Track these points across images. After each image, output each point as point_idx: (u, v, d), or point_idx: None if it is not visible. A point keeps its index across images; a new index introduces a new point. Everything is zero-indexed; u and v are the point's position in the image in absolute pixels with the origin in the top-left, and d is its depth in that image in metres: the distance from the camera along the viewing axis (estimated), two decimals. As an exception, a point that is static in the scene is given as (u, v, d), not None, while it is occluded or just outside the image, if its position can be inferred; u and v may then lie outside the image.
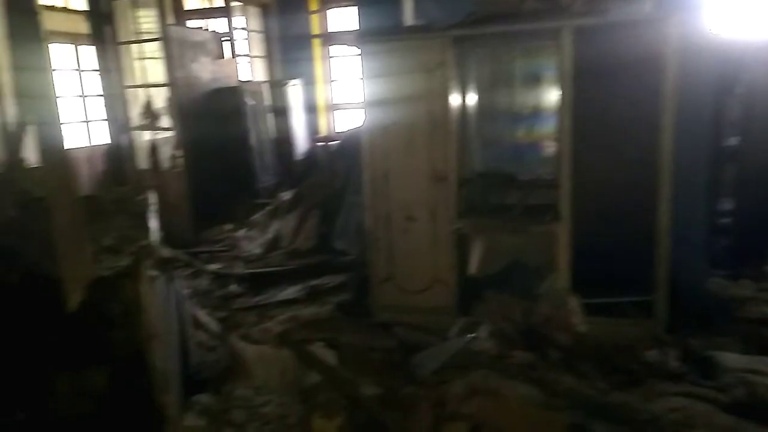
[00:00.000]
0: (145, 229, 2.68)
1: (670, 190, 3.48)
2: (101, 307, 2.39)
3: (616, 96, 3.58)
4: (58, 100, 2.09)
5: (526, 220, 3.72)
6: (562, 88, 3.57)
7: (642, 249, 3.56)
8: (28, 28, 2.01)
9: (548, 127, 4.15)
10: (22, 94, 2.09)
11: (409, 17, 4.36)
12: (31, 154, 2.22)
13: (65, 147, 2.01)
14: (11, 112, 4.86)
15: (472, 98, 4.30)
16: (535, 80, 4.27)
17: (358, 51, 3.97)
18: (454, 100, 3.88)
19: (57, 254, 2.02)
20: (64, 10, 7.02)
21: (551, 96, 4.04)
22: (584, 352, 3.17)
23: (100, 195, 4.33)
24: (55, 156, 1.96)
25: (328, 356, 3.48)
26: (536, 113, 4.29)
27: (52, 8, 6.74)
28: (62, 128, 2.04)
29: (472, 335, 3.41)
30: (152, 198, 3.05)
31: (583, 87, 3.55)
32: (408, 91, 3.86)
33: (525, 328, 3.43)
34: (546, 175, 4.03)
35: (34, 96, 1.95)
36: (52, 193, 1.97)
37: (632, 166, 3.61)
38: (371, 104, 3.97)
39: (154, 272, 2.50)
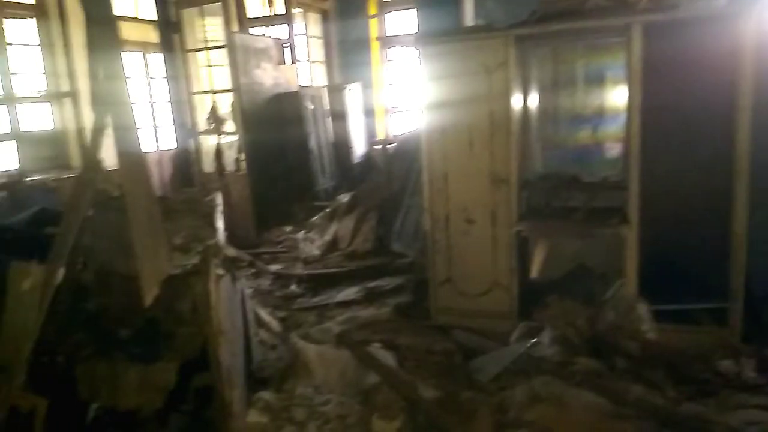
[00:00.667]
0: (212, 229, 2.76)
1: (746, 193, 3.29)
2: (171, 303, 2.48)
3: (688, 95, 3.42)
4: (133, 105, 2.18)
5: (591, 223, 3.61)
6: (631, 87, 3.45)
7: (716, 254, 3.39)
8: (106, 37, 2.11)
9: (613, 128, 4.02)
10: (99, 100, 2.20)
11: (469, 18, 4.32)
12: (108, 156, 2.33)
13: (142, 150, 2.09)
14: (89, 116, 5.13)
15: (533, 99, 4.21)
16: (599, 80, 4.14)
17: (418, 53, 3.96)
18: (516, 100, 3.81)
19: (134, 252, 2.10)
20: (135, 20, 7.36)
21: (616, 96, 3.91)
22: (654, 360, 3.04)
23: (169, 196, 4.51)
24: (133, 158, 2.04)
25: (387, 357, 3.48)
26: (600, 114, 4.15)
27: (123, 18, 7.08)
28: (138, 132, 2.13)
29: (534, 340, 3.33)
30: (218, 199, 3.14)
31: (652, 85, 3.42)
32: (468, 92, 3.82)
33: (590, 335, 3.32)
34: (612, 176, 3.90)
35: (112, 102, 2.04)
36: (130, 193, 2.06)
37: (706, 168, 3.44)
38: (430, 106, 3.96)
39: (220, 271, 2.57)
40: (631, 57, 3.41)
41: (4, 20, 5.43)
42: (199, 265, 2.46)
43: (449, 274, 4.06)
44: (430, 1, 4.71)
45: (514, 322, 3.72)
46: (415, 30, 4.89)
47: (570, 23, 3.57)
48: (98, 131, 2.13)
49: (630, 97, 3.46)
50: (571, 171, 4.05)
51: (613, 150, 4.03)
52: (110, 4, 2.26)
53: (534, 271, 3.83)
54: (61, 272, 2.28)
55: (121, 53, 2.33)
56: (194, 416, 2.68)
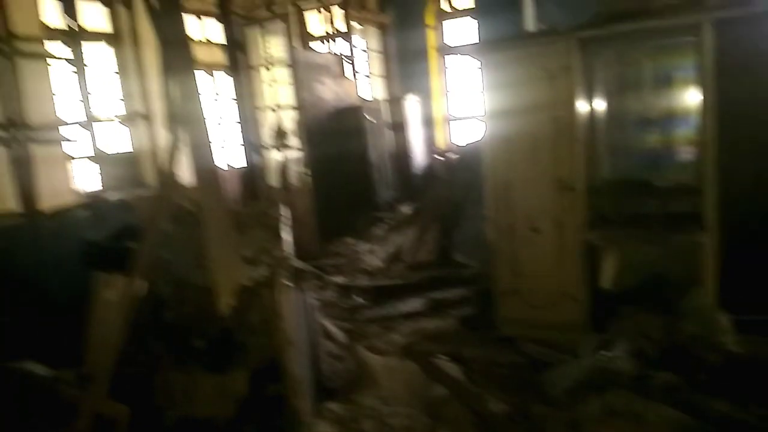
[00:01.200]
0: (280, 241, 2.83)
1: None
2: (243, 314, 2.55)
3: (765, 93, 3.24)
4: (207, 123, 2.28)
5: (665, 230, 3.46)
6: (704, 88, 3.30)
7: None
8: (181, 59, 2.21)
9: (684, 130, 3.84)
10: (176, 119, 2.32)
11: (529, 23, 4.26)
12: (184, 173, 2.44)
13: (216, 166, 2.18)
14: (163, 137, 5.37)
15: (599, 103, 4.09)
16: (667, 81, 3.98)
17: (478, 61, 3.94)
18: (580, 105, 3.72)
19: (209, 264, 2.18)
20: (203, 42, 7.69)
21: (686, 97, 3.74)
22: (737, 373, 2.86)
23: (238, 211, 4.66)
24: (208, 175, 2.13)
25: (453, 370, 3.45)
26: (670, 116, 3.99)
27: (192, 40, 7.41)
28: (212, 149, 2.22)
29: (608, 353, 3.21)
30: (284, 212, 3.21)
31: (726, 85, 3.25)
32: (531, 98, 3.76)
33: (667, 347, 3.16)
34: (687, 181, 3.72)
35: (188, 120, 2.14)
36: (206, 208, 2.15)
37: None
38: (492, 114, 3.92)
39: (288, 282, 2.62)
40: (703, 56, 3.27)
41: (84, 46, 5.78)
42: (269, 277, 2.52)
43: (515, 285, 3.99)
44: (488, 8, 4.68)
45: (585, 334, 3.60)
46: (474, 38, 4.85)
47: (637, 23, 3.46)
48: (174, 149, 2.24)
49: (703, 98, 3.31)
50: (642, 176, 3.90)
51: (686, 153, 3.85)
52: (184, 27, 2.37)
53: (605, 281, 3.69)
54: (143, 285, 2.40)
55: (195, 74, 2.44)
56: (265, 425, 2.74)
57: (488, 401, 3.09)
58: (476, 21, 4.89)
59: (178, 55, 2.21)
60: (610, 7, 3.66)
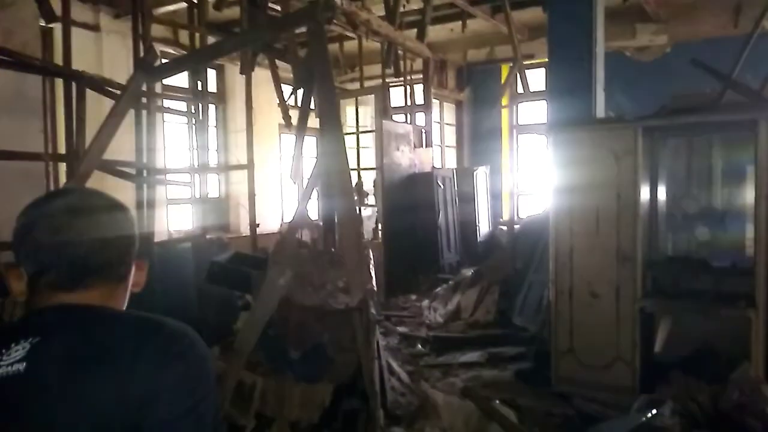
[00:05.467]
0: (369, 276, 3.31)
1: None
2: (335, 333, 3.02)
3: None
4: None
5: (718, 304, 3.72)
6: (758, 178, 3.63)
7: None
8: (334, 120, 2.82)
9: (741, 222, 4.13)
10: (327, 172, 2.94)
11: (599, 110, 4.74)
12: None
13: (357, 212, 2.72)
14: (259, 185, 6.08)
15: (662, 187, 4.45)
16: (731, 175, 4.32)
17: (548, 141, 4.41)
18: (643, 185, 4.10)
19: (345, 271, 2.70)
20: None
21: (746, 190, 4.04)
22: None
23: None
24: (351, 217, 2.70)
25: (509, 414, 3.74)
26: (730, 206, 4.31)
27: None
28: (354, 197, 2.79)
29: (655, 411, 3.44)
30: (372, 254, 3.71)
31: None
32: (596, 175, 4.17)
33: (713, 412, 3.37)
34: (742, 263, 3.99)
35: (338, 172, 2.72)
36: (347, 240, 2.70)
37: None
38: (558, 188, 4.35)
39: (374, 311, 3.09)
40: (758, 150, 3.62)
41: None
42: (360, 302, 2.99)
43: (571, 345, 4.28)
44: (561, 93, 5.17)
45: (635, 397, 3.83)
46: (544, 119, 5.37)
47: (696, 116, 3.87)
48: (306, 197, 2.82)
49: (757, 186, 3.64)
50: (700, 255, 4.20)
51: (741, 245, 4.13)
52: (335, 94, 2.96)
53: (658, 348, 3.95)
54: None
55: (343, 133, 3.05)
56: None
57: (540, 444, 3.37)
58: (547, 103, 5.41)
59: (332, 120, 2.81)
60: (678, 101, 4.09)
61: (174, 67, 4.24)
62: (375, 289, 3.30)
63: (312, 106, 3.82)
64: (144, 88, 5.14)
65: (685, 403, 3.46)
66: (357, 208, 2.86)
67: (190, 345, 1.01)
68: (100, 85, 4.83)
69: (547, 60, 5.31)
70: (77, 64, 4.79)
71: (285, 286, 2.69)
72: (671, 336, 3.93)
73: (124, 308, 1.10)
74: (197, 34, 6.03)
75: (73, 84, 4.46)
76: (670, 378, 3.75)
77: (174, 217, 7.09)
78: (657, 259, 4.25)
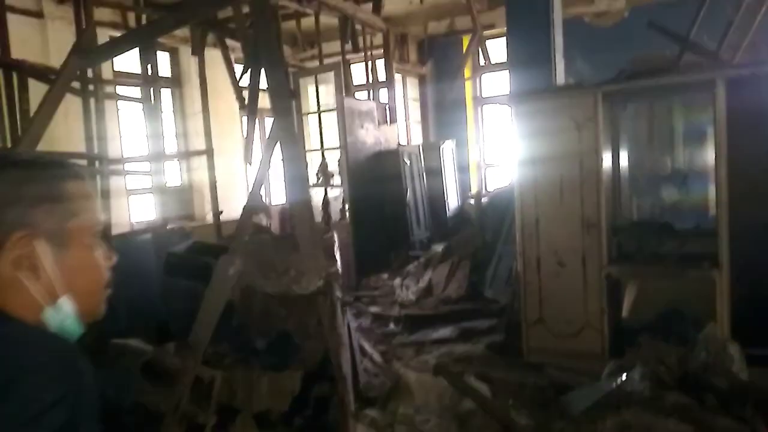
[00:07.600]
0: (332, 260, 3.23)
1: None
2: (300, 319, 2.94)
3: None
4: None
5: (682, 267, 3.75)
6: (717, 141, 3.64)
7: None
8: (284, 106, 2.70)
9: (702, 181, 4.16)
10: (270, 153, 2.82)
11: (559, 78, 4.70)
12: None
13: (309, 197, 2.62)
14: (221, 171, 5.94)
15: (624, 152, 4.45)
16: (692, 137, 4.34)
17: (511, 111, 4.36)
18: (605, 152, 4.09)
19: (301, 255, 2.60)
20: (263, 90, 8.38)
21: (704, 151, 4.07)
22: (743, 397, 3.10)
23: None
24: (302, 203, 2.60)
25: (482, 388, 3.74)
26: (690, 167, 4.34)
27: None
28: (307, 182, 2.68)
29: (625, 376, 3.47)
30: (335, 237, 3.63)
31: (736, 140, 3.59)
32: (559, 145, 4.15)
33: (680, 373, 3.41)
34: (705, 224, 4.03)
35: (289, 157, 2.62)
36: (298, 217, 2.60)
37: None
38: (523, 158, 4.31)
39: (339, 293, 3.01)
40: (717, 110, 3.63)
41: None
42: (324, 287, 2.92)
43: (541, 315, 4.29)
44: (521, 63, 5.12)
45: (606, 362, 3.86)
46: (508, 90, 5.31)
47: (655, 80, 3.85)
48: (261, 181, 2.71)
49: (716, 147, 3.65)
50: (662, 219, 4.22)
51: (703, 203, 4.16)
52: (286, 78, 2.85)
53: (626, 313, 3.98)
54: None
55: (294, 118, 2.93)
56: (313, 421, 3.08)
57: (513, 416, 3.37)
58: (509, 74, 5.35)
59: (281, 101, 2.69)
60: (637, 64, 4.07)
61: (111, 49, 3.99)
62: (339, 271, 3.21)
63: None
64: (90, 74, 4.94)
65: (654, 366, 3.49)
66: (308, 192, 2.74)
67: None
68: (44, 74, 4.60)
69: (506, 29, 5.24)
70: (21, 53, 4.53)
71: (235, 276, 2.59)
72: (638, 300, 3.96)
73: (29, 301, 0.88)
74: (144, 16, 5.77)
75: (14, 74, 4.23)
76: (639, 342, 3.79)
77: (135, 209, 6.87)
78: (621, 224, 4.26)
